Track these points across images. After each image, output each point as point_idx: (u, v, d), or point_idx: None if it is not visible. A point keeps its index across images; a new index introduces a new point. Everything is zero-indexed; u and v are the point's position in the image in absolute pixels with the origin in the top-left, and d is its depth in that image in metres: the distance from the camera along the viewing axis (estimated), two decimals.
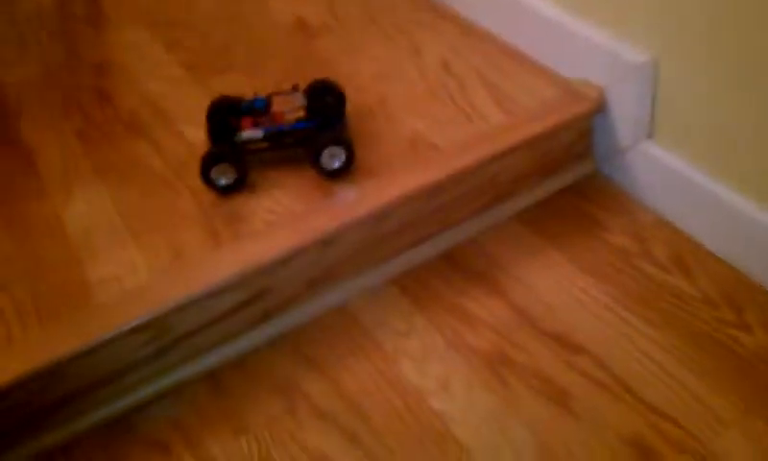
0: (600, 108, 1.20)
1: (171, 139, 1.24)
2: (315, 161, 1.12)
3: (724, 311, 1.05)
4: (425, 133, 1.20)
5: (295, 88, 1.16)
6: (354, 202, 1.09)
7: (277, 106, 1.15)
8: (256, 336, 1.06)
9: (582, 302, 1.08)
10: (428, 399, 0.99)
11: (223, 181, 1.11)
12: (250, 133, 1.13)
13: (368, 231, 1.09)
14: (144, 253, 1.05)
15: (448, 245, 1.18)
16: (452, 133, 1.20)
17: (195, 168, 1.12)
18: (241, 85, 1.33)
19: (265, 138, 1.13)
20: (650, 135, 1.18)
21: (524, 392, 0.98)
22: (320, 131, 1.13)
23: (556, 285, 1.11)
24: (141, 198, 1.14)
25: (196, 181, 1.13)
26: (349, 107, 1.19)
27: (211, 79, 1.38)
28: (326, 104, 1.16)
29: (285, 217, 1.08)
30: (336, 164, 1.12)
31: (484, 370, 1.01)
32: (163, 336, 0.99)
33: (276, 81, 1.34)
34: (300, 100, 1.15)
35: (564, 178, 1.26)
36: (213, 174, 1.11)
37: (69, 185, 1.16)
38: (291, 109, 1.14)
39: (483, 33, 1.42)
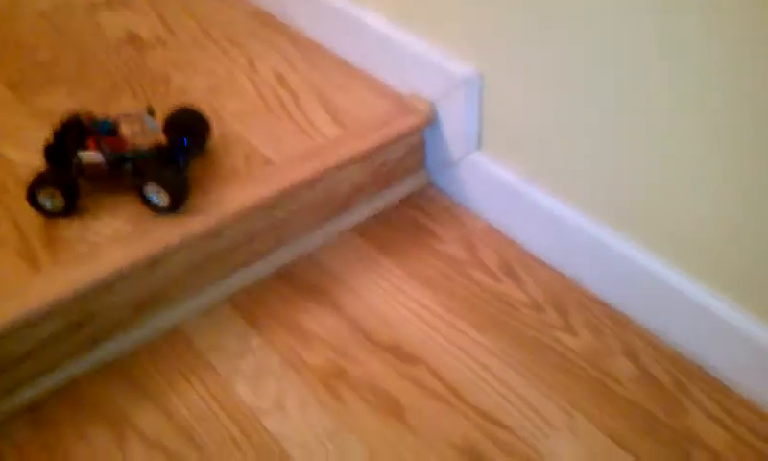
0: (430, 120, 1.22)
1: None
2: (140, 194, 1.06)
3: (551, 315, 1.09)
4: (259, 148, 1.19)
5: (149, 112, 1.09)
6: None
7: (126, 129, 1.08)
8: (82, 364, 1.02)
9: (415, 312, 1.09)
10: (264, 420, 0.97)
11: (48, 205, 1.05)
12: (90, 156, 1.06)
13: (199, 250, 1.06)
14: None
15: (284, 261, 1.17)
16: (287, 148, 1.19)
17: (15, 190, 1.08)
18: (68, 102, 1.28)
19: (107, 163, 1.06)
20: (479, 147, 1.21)
21: (359, 406, 0.98)
22: (156, 164, 1.06)
23: (390, 297, 1.12)
24: None
25: (15, 203, 1.08)
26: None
27: (36, 97, 1.31)
28: (179, 136, 1.11)
29: (109, 240, 1.03)
30: (158, 202, 1.05)
31: (319, 386, 1.00)
32: None
33: (105, 97, 1.30)
34: (150, 124, 1.08)
35: (398, 190, 1.27)
36: (41, 197, 1.04)
37: None
38: (142, 133, 1.08)
39: (317, 47, 1.42)
